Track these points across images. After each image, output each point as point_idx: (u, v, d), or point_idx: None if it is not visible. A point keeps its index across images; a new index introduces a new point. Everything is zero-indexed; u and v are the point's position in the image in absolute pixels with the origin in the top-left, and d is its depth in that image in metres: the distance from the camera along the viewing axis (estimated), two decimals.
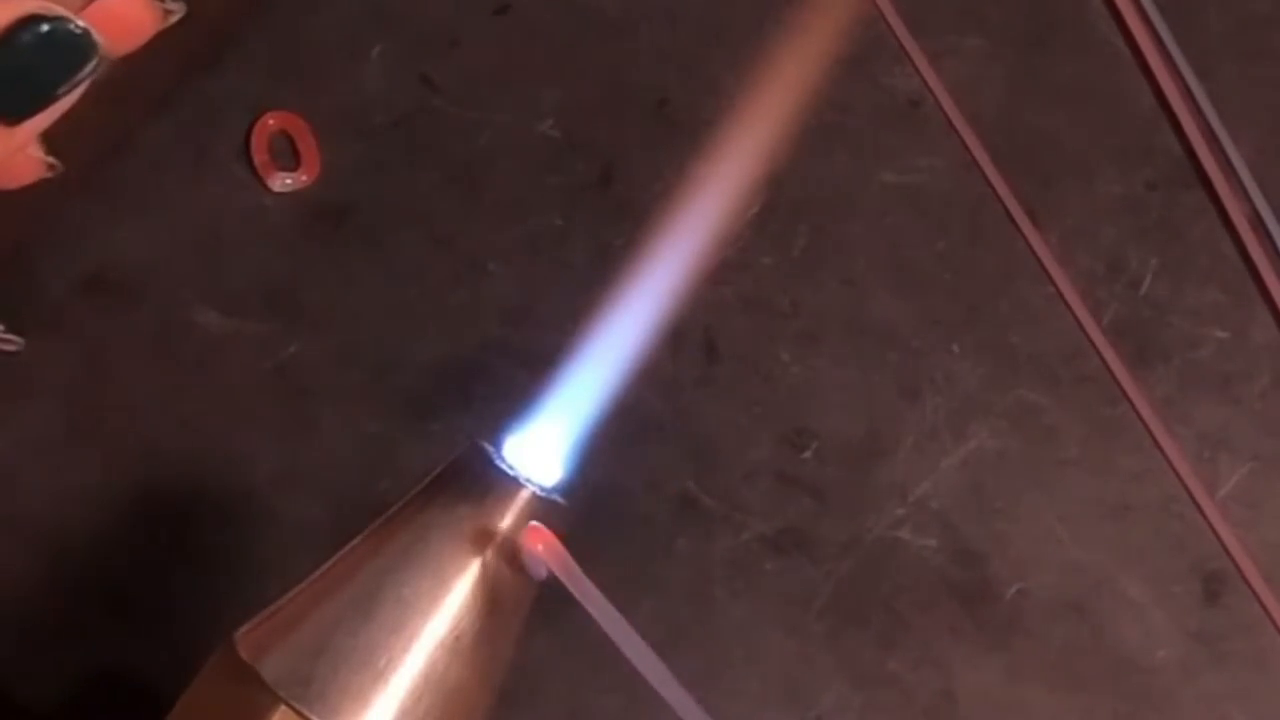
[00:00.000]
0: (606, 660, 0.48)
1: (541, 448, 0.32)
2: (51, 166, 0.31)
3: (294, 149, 0.53)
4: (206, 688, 0.32)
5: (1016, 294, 0.52)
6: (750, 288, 0.52)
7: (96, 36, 0.27)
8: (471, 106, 0.53)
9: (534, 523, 0.31)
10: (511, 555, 0.31)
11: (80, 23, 0.27)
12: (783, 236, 0.52)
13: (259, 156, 0.52)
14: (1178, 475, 0.50)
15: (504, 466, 0.32)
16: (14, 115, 0.28)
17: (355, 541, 0.32)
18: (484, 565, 0.31)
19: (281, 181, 0.52)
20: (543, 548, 0.31)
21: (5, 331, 0.50)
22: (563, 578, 0.30)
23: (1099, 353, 0.51)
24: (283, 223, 0.52)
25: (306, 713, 0.30)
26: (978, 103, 0.54)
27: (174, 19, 0.29)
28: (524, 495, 0.32)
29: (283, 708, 0.30)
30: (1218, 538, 0.49)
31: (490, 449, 0.32)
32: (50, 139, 0.30)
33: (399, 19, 0.54)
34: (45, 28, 0.27)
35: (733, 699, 0.48)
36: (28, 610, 0.48)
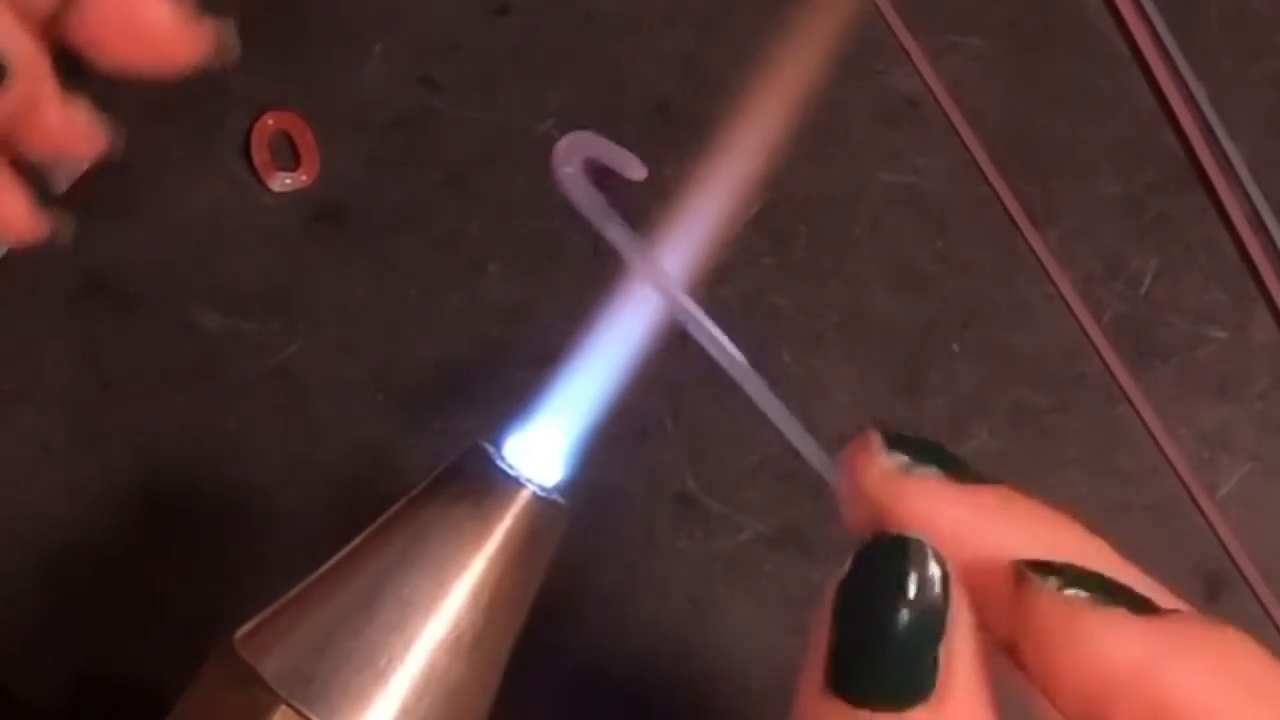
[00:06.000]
0: (606, 658, 0.48)
1: (541, 448, 0.32)
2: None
3: (294, 149, 0.53)
4: (206, 688, 0.32)
5: (1016, 294, 0.52)
6: (750, 288, 0.52)
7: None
8: (471, 106, 0.53)
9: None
10: (513, 555, 0.31)
11: None
12: (783, 236, 0.52)
13: (259, 156, 0.52)
14: (1178, 475, 0.50)
15: (504, 466, 0.32)
16: None
17: (355, 541, 0.32)
18: (484, 565, 0.31)
19: (281, 181, 0.52)
20: None
21: None
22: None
23: (1099, 353, 0.51)
24: (283, 223, 0.52)
25: (307, 712, 0.30)
26: (978, 103, 0.54)
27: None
28: (524, 495, 0.32)
29: (283, 707, 0.30)
30: (1218, 538, 0.49)
31: (490, 449, 0.32)
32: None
33: (399, 19, 0.54)
34: None
35: (733, 699, 0.48)
36: (28, 610, 0.48)
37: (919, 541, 0.24)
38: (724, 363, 0.28)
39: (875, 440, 0.26)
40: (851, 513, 0.26)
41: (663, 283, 0.28)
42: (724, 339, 0.28)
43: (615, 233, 0.28)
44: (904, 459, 0.26)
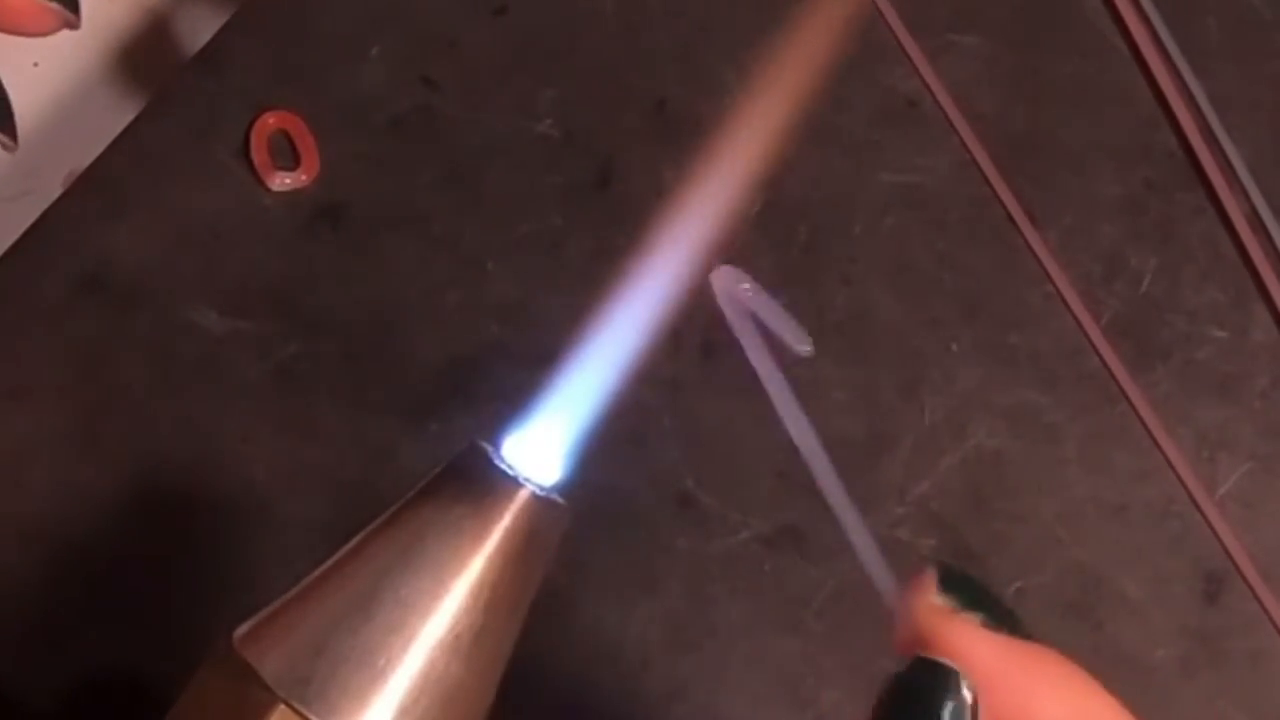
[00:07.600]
0: (606, 657, 0.48)
1: (541, 448, 0.32)
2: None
3: (293, 148, 0.53)
4: (205, 687, 0.32)
5: (1016, 293, 0.52)
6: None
7: None
8: (471, 106, 0.53)
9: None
10: (512, 555, 0.31)
11: None
12: (783, 236, 0.52)
13: (258, 156, 0.52)
14: (1177, 475, 0.50)
15: (503, 466, 0.32)
16: None
17: (354, 541, 0.32)
18: (483, 565, 0.31)
19: (281, 181, 0.52)
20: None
21: None
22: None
23: (1098, 352, 0.51)
24: (282, 222, 0.52)
25: (306, 712, 0.30)
26: (977, 102, 0.54)
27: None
28: (523, 495, 0.32)
29: (282, 707, 0.30)
30: (1217, 537, 0.49)
31: (490, 449, 0.32)
32: None
33: (399, 19, 0.54)
34: None
35: (733, 698, 0.48)
36: (28, 610, 0.48)
37: (955, 670, 0.26)
38: (807, 456, 0.29)
39: (930, 579, 0.27)
40: (898, 633, 0.27)
41: (772, 375, 0.29)
42: (815, 441, 0.30)
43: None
44: (953, 601, 0.27)
